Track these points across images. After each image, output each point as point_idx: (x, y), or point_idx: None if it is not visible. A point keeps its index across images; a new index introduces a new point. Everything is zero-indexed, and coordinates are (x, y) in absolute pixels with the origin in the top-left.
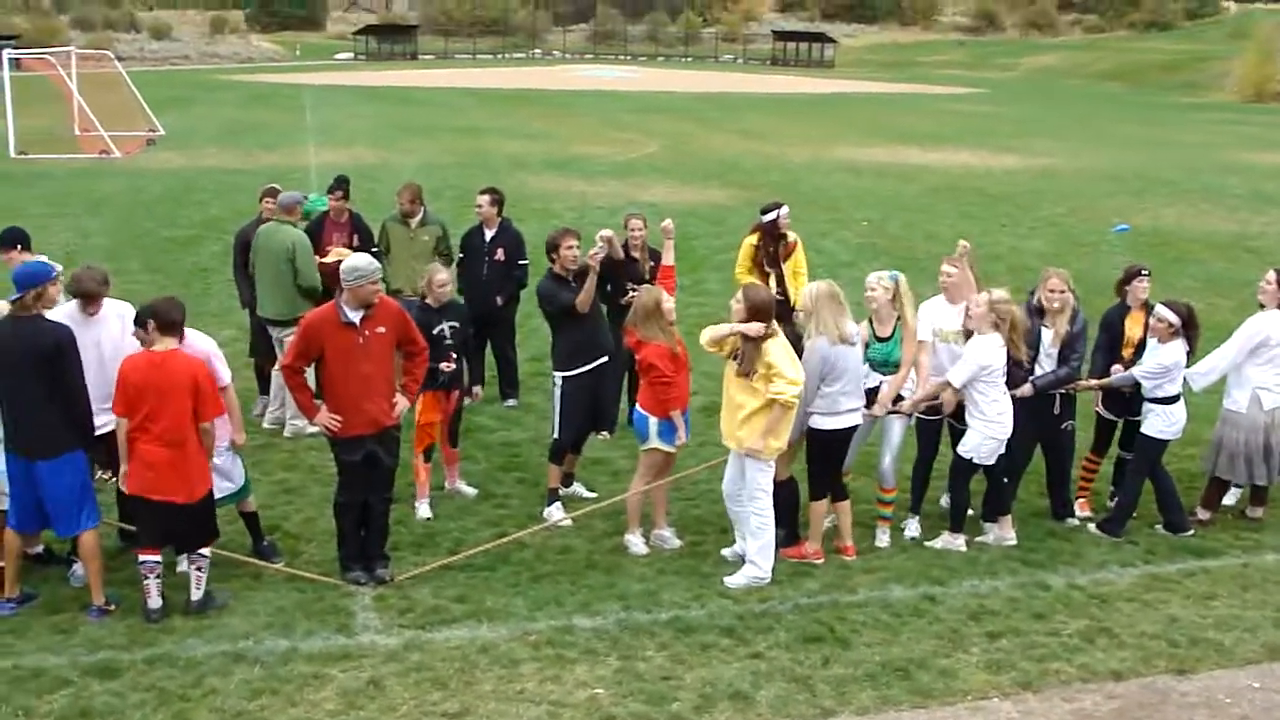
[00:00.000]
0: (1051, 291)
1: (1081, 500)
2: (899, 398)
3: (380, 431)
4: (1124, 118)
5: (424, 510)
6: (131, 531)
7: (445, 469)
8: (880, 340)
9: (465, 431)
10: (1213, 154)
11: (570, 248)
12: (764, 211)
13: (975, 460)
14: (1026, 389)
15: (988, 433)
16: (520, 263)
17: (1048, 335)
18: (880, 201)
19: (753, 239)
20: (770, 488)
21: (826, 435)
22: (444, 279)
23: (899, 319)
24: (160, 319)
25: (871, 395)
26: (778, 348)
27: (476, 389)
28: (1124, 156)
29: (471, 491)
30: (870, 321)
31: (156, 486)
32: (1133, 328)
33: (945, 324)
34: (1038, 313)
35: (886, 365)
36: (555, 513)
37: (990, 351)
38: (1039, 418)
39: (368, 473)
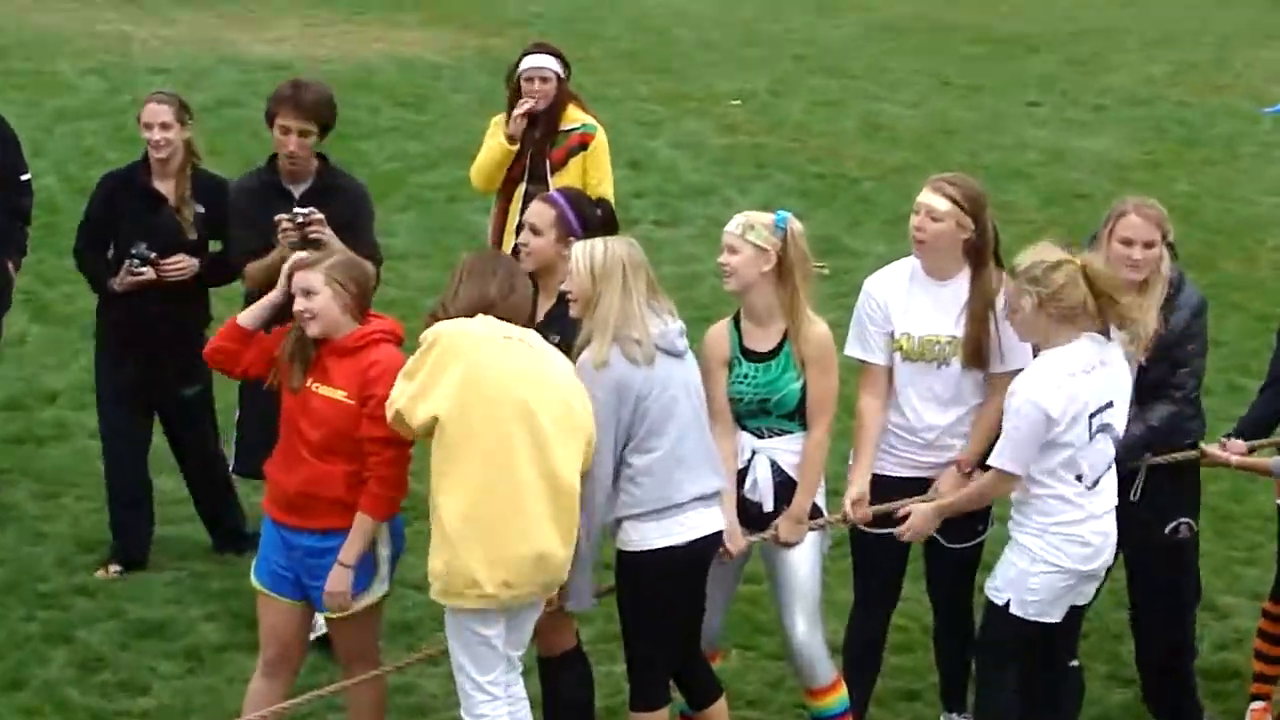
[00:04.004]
0: (1126, 243)
1: (1259, 706)
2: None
3: None
4: None
5: None
6: None
7: None
8: (753, 358)
9: None
10: None
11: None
12: (515, 66)
13: (1020, 612)
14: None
15: (1049, 559)
16: (22, 178)
17: (1120, 340)
18: (769, 55)
19: (500, 119)
20: (486, 664)
21: (651, 562)
22: None
23: (792, 316)
24: None
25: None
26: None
27: None
28: None
29: None
30: (734, 321)
31: None
32: None
33: (925, 323)
34: None
35: (765, 412)
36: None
37: (1066, 385)
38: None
39: None
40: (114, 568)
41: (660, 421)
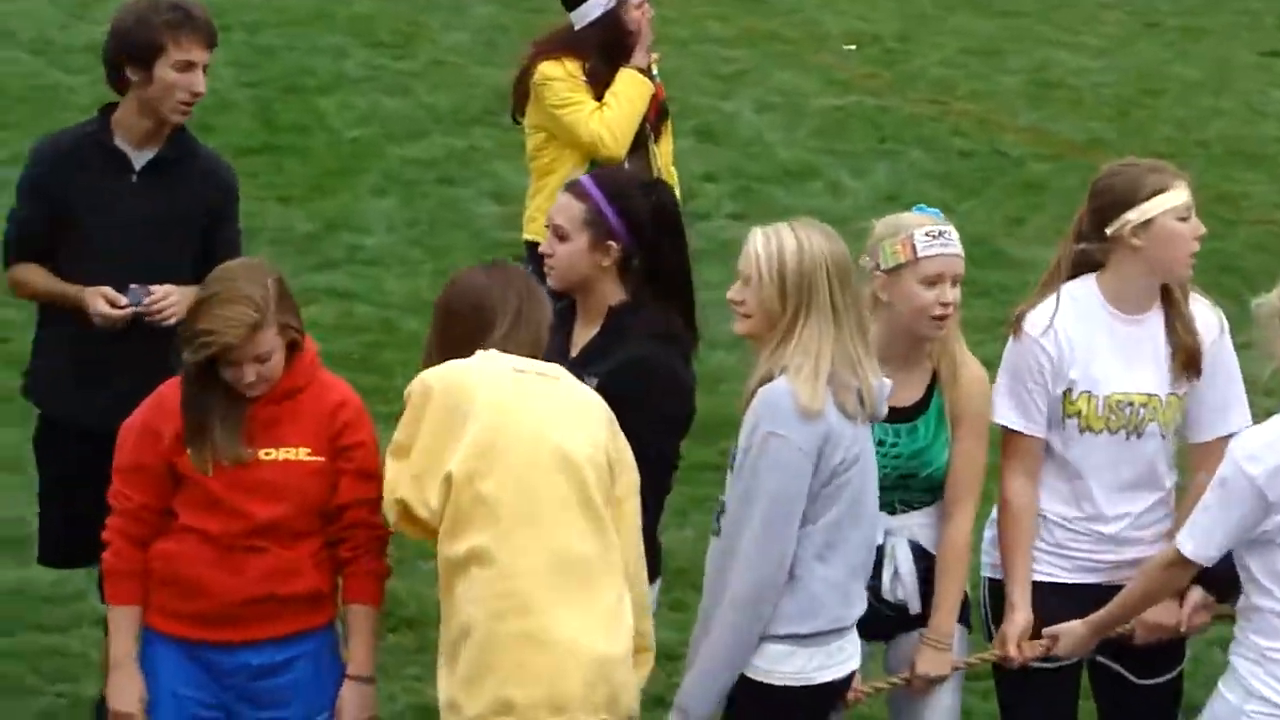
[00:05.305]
0: None
1: None
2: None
3: None
4: None
5: None
6: None
7: None
8: (890, 417)
9: None
10: None
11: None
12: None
13: None
14: None
15: (1270, 696)
16: None
17: None
18: None
19: (570, 67)
20: None
21: (809, 701)
22: None
23: (945, 352)
24: None
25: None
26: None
27: None
28: None
29: None
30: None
31: None
32: None
33: (1113, 377)
34: None
35: (905, 486)
36: None
37: None
38: None
39: None
40: None
41: (853, 507)
